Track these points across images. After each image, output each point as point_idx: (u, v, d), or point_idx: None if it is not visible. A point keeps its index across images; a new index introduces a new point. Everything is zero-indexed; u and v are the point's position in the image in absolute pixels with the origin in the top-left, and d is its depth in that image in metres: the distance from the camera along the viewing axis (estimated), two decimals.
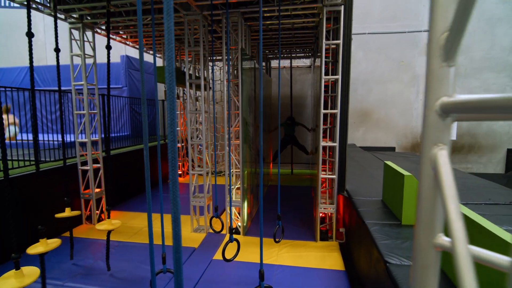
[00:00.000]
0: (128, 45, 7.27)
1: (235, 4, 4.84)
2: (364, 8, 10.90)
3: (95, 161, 6.09)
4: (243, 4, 4.86)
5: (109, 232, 4.29)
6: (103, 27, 6.11)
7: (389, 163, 4.13)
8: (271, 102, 9.59)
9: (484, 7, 10.26)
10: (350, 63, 4.65)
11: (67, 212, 4.41)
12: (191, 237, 5.29)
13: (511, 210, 3.83)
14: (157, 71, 6.15)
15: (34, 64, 10.73)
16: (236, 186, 5.33)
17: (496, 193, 4.71)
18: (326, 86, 5.00)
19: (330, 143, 4.80)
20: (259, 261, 4.45)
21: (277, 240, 3.84)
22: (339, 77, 4.56)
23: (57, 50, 4.31)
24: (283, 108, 11.10)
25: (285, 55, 9.38)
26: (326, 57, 4.77)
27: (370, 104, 11.17)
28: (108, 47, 4.11)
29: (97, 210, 6.11)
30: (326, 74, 4.82)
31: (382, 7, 10.85)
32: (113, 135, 9.83)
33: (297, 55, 9.33)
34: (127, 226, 5.88)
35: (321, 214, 5.05)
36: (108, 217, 4.14)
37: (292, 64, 10.67)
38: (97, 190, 6.09)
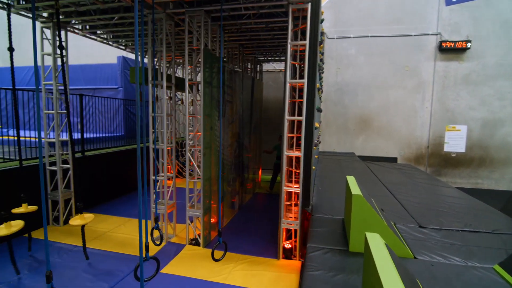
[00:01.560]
0: (111, 45, 7.18)
1: (199, 2, 4.57)
2: (367, 10, 10.36)
3: (68, 162, 5.98)
4: (207, 2, 4.58)
5: (83, 227, 4.24)
6: (77, 27, 6.03)
7: (350, 178, 3.68)
8: (262, 106, 9.24)
9: (500, 8, 9.44)
10: (316, 66, 4.24)
11: (24, 208, 4.31)
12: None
13: (487, 241, 3.28)
14: (131, 72, 5.99)
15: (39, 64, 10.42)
16: (196, 194, 5.03)
17: (485, 217, 4.11)
18: (295, 91, 4.62)
19: (294, 153, 4.39)
20: (207, 278, 4.12)
21: (216, 258, 3.48)
22: (304, 81, 4.17)
23: (11, 49, 4.20)
24: (280, 114, 10.72)
25: (277, 59, 9.01)
26: (295, 59, 4.40)
27: (371, 111, 10.55)
28: (61, 47, 3.96)
29: (66, 211, 5.99)
30: (294, 77, 4.44)
31: (386, 8, 10.24)
32: (107, 135, 9.85)
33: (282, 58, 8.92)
34: (91, 229, 5.70)
35: (290, 230, 4.64)
36: (80, 213, 3.97)
37: None
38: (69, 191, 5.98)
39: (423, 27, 10.07)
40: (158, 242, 3.78)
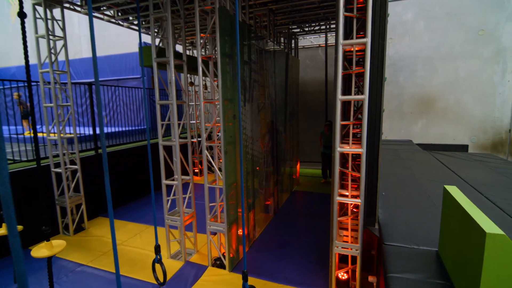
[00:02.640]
0: (122, 25, 6.22)
1: None
2: None
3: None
4: None
5: (49, 259, 3.25)
6: (76, 1, 5.10)
7: (454, 190, 2.26)
8: (298, 89, 7.84)
9: None
10: (386, 17, 2.80)
11: (4, 229, 3.48)
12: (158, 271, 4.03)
13: None
14: (144, 53, 4.96)
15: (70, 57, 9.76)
16: (219, 203, 3.89)
17: None
18: (349, 61, 3.23)
19: (352, 149, 3.03)
20: None
21: None
22: (367, 40, 2.75)
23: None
24: (318, 97, 9.23)
25: (317, 29, 7.47)
26: (349, 11, 2.98)
27: (434, 89, 8.62)
28: (21, 14, 2.95)
29: (77, 218, 5.25)
30: (348, 37, 3.04)
31: None
32: (132, 128, 9.17)
33: (331, 27, 7.35)
34: (103, 240, 4.90)
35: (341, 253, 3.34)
36: (47, 239, 3.06)
37: (330, 42, 8.68)
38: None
39: None
40: (161, 281, 2.73)
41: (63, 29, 4.84)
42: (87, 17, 14.53)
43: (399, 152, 7.05)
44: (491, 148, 8.34)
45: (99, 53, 13.44)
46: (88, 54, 13.92)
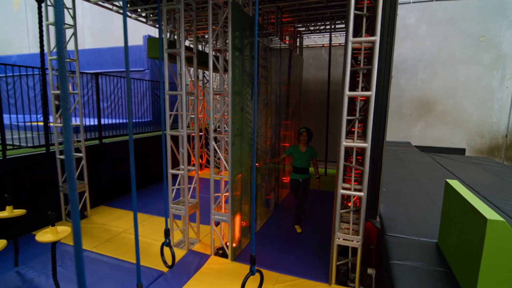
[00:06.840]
0: (130, 17, 6.27)
1: None
2: None
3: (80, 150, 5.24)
4: None
5: (54, 244, 3.34)
6: None
7: (455, 184, 2.37)
8: (301, 87, 7.93)
9: None
10: (395, 16, 2.90)
11: (8, 212, 3.55)
12: (165, 254, 4.11)
13: None
14: (149, 44, 5.02)
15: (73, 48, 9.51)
16: (224, 193, 3.97)
17: None
18: (356, 58, 3.33)
19: (357, 143, 3.13)
20: None
21: None
22: (376, 38, 2.85)
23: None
24: (321, 97, 9.33)
25: (322, 29, 7.57)
26: (358, 10, 3.08)
27: (434, 92, 8.76)
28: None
29: (80, 205, 5.31)
30: (357, 35, 3.14)
31: None
32: (135, 120, 9.25)
33: (336, 27, 7.44)
34: (105, 228, 4.96)
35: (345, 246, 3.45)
36: (52, 225, 3.15)
37: (334, 42, 8.79)
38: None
39: None
40: (169, 263, 2.82)
41: (74, 17, 4.89)
42: (91, 8, 14.53)
43: (398, 153, 7.18)
44: (488, 152, 8.51)
45: (103, 45, 13.45)
46: (90, 45, 13.87)
